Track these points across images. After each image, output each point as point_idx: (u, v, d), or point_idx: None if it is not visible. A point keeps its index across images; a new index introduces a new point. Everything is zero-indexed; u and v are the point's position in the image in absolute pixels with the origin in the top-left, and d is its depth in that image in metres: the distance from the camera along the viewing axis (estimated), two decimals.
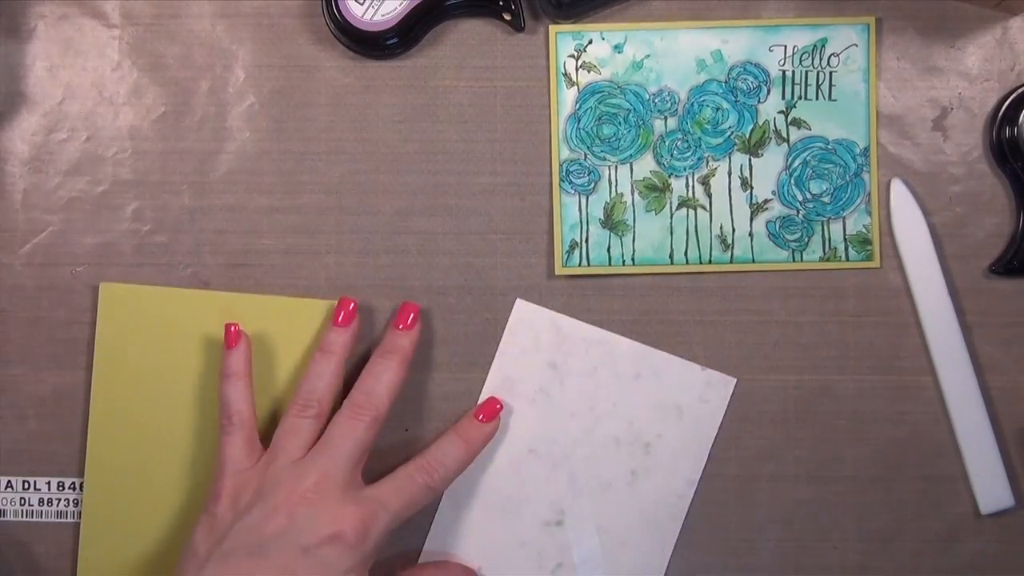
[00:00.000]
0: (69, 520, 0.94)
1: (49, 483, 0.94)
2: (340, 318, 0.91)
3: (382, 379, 0.89)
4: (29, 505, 0.94)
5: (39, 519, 0.94)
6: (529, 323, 0.93)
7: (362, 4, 0.91)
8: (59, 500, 0.94)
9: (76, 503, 0.94)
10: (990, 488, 0.92)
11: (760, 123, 0.93)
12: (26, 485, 0.94)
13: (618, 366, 0.93)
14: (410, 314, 0.91)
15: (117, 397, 0.92)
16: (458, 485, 0.92)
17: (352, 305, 0.91)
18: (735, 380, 0.92)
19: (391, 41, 0.92)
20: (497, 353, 0.93)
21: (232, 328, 0.91)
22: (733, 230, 0.93)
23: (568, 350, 0.93)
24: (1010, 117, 0.92)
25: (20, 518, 0.94)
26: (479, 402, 0.93)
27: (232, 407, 0.89)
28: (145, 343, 0.93)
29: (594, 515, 0.93)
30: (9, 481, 0.94)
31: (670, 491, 0.93)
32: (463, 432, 0.91)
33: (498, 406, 0.91)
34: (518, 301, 0.93)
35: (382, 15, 0.91)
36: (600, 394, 0.93)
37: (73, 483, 0.94)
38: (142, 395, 0.92)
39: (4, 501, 0.94)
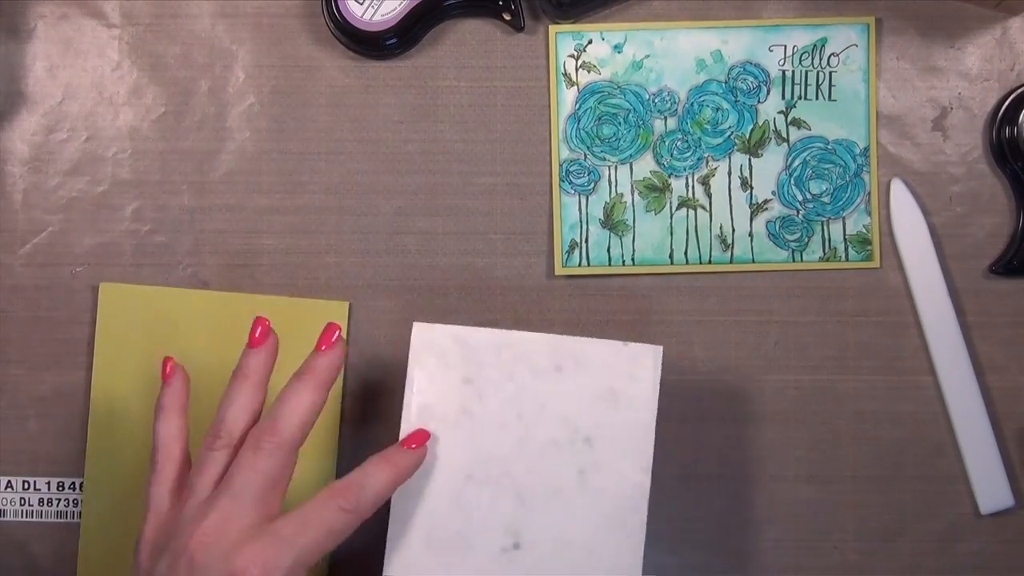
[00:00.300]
0: (69, 520, 0.94)
1: (49, 483, 0.94)
2: (255, 337, 0.83)
3: (291, 403, 0.80)
4: (29, 505, 0.94)
5: (39, 519, 0.94)
6: (431, 344, 0.85)
7: (362, 4, 0.91)
8: (59, 500, 0.94)
9: (76, 503, 0.94)
10: (990, 488, 0.92)
11: (760, 123, 0.93)
12: (26, 485, 0.94)
13: (535, 363, 0.85)
14: (333, 334, 0.83)
15: (117, 397, 0.92)
16: (401, 534, 0.84)
17: (266, 324, 0.83)
18: (660, 348, 0.85)
19: (391, 41, 0.92)
20: (406, 384, 0.84)
21: (168, 363, 0.85)
22: (733, 230, 0.93)
23: (479, 361, 0.85)
24: (1010, 117, 0.92)
25: (20, 518, 0.94)
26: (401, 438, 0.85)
27: (159, 444, 0.83)
28: (145, 343, 0.93)
29: (552, 526, 0.85)
30: (9, 481, 0.94)
31: (624, 481, 0.85)
32: (390, 456, 0.82)
33: (427, 435, 0.83)
34: (415, 325, 0.85)
35: (382, 15, 0.91)
36: (524, 397, 0.85)
37: (73, 483, 0.94)
38: (142, 395, 0.92)
39: (4, 501, 0.94)
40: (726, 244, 0.93)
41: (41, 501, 0.94)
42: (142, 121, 0.94)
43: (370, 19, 0.91)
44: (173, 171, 0.94)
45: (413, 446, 0.83)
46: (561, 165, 0.93)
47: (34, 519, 0.94)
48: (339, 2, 0.91)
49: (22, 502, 0.94)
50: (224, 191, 0.94)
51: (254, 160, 0.94)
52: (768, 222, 0.93)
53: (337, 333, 0.83)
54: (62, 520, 0.94)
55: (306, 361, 0.82)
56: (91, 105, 0.94)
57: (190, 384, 0.86)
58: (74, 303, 0.94)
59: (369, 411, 0.94)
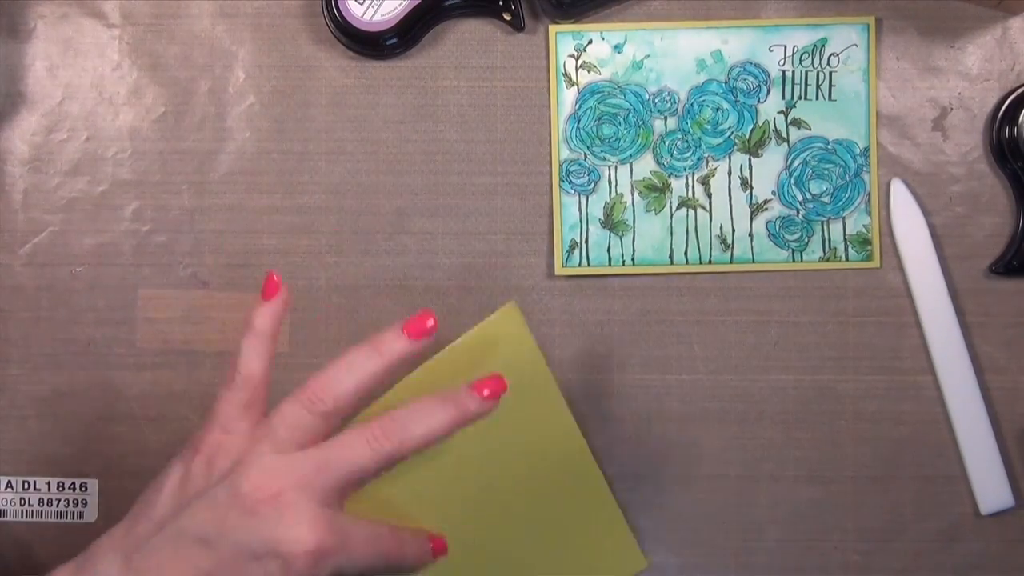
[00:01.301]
0: (69, 520, 0.94)
1: (49, 483, 0.94)
2: (419, 327, 0.81)
3: (424, 423, 0.78)
4: (29, 505, 0.94)
5: (39, 519, 0.94)
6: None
7: (362, 4, 0.91)
8: (59, 500, 0.94)
9: (76, 503, 0.94)
10: (990, 488, 0.92)
11: (760, 123, 0.93)
12: (26, 485, 0.94)
13: None
14: (497, 387, 0.80)
15: None
16: None
17: (435, 322, 0.81)
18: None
19: (391, 41, 0.92)
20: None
21: (274, 277, 0.82)
22: (733, 230, 0.93)
23: None
24: (1010, 117, 0.92)
25: (20, 518, 0.94)
26: None
27: (242, 363, 0.80)
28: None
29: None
30: (9, 481, 0.94)
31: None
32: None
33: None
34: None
35: (382, 15, 0.91)
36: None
37: (73, 483, 0.94)
38: None
39: (4, 501, 0.94)
40: (726, 244, 0.93)
41: (41, 501, 0.94)
42: (142, 121, 0.94)
43: (370, 19, 0.91)
44: (173, 171, 0.94)
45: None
46: (561, 165, 0.93)
47: (34, 519, 0.94)
48: (339, 2, 0.91)
49: (22, 502, 0.94)
50: (224, 191, 0.94)
51: (254, 160, 0.94)
52: (768, 222, 0.93)
53: (501, 388, 0.80)
54: (62, 520, 0.94)
55: (457, 391, 0.80)
56: (91, 105, 0.94)
57: (287, 308, 0.82)
58: (74, 303, 0.94)
59: None
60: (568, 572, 0.89)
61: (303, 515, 0.75)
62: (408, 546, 0.81)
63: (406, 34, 0.92)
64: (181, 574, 0.75)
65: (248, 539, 0.75)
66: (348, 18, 0.91)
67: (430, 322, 0.81)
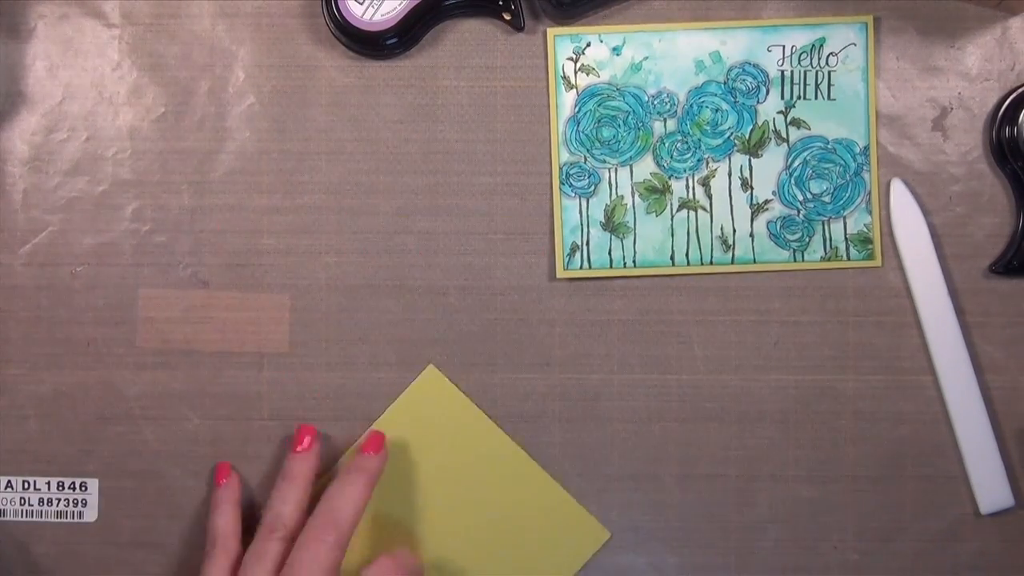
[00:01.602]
0: (69, 520, 0.94)
1: (49, 483, 0.94)
2: (300, 445, 0.92)
3: (347, 497, 0.89)
4: (29, 505, 0.94)
5: (39, 519, 0.94)
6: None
7: (362, 4, 0.91)
8: (59, 500, 0.94)
9: (76, 503, 0.94)
10: (990, 488, 0.92)
11: (759, 123, 0.93)
12: (26, 485, 0.94)
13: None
14: (379, 441, 0.92)
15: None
16: None
17: (313, 433, 0.92)
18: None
19: (391, 41, 0.92)
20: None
21: (222, 468, 0.93)
22: (734, 231, 0.93)
23: None
24: (1010, 117, 0.92)
25: (20, 518, 0.94)
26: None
27: (216, 535, 0.90)
28: (424, 440, 0.95)
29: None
30: (9, 481, 0.94)
31: None
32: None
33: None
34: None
35: (382, 15, 0.91)
36: None
37: (73, 483, 0.94)
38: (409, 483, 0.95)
39: (4, 501, 0.94)
40: (727, 245, 0.93)
41: (41, 501, 0.94)
42: (142, 121, 0.94)
43: (370, 19, 0.91)
44: (173, 171, 0.94)
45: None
46: (561, 168, 0.93)
47: (34, 519, 0.94)
48: (339, 2, 0.91)
49: (22, 502, 0.94)
50: (224, 191, 0.94)
51: (254, 160, 0.94)
52: (769, 222, 0.93)
53: (383, 440, 0.92)
54: (62, 520, 0.94)
55: (356, 460, 0.91)
56: (91, 105, 0.94)
57: (242, 489, 0.94)
58: (74, 303, 0.94)
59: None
60: (543, 558, 0.94)
61: None
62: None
63: (406, 34, 0.92)
64: None
65: None
66: (348, 18, 0.91)
67: (312, 434, 0.93)
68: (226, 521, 0.91)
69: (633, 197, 0.93)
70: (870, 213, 0.93)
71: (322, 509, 0.88)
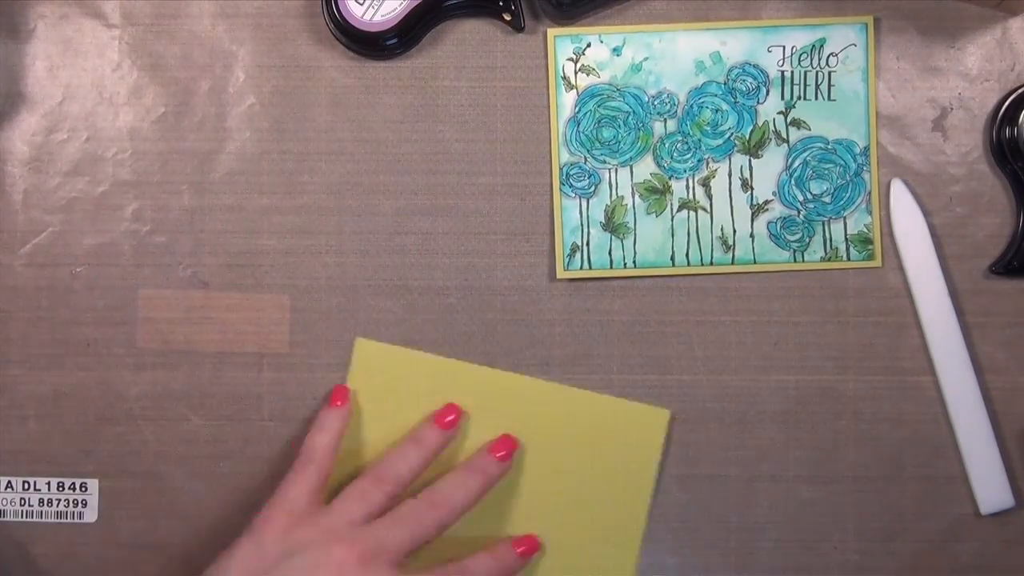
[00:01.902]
0: (69, 520, 0.94)
1: (49, 483, 0.94)
2: (445, 421, 0.92)
3: (462, 491, 0.90)
4: (29, 505, 0.94)
5: (39, 519, 0.94)
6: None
7: (362, 4, 0.91)
8: (59, 500, 0.94)
9: (76, 503, 0.94)
10: (990, 488, 0.92)
11: (760, 124, 0.93)
12: (26, 485, 0.94)
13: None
14: (509, 447, 0.92)
15: (355, 457, 0.94)
16: None
17: (458, 413, 0.93)
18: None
19: (391, 41, 0.92)
20: None
21: (340, 391, 0.93)
22: (734, 231, 0.93)
23: None
24: (1010, 117, 0.92)
25: (20, 518, 0.94)
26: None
27: (314, 452, 0.90)
28: (390, 405, 0.94)
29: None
30: (9, 481, 0.94)
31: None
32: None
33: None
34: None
35: (382, 15, 0.91)
36: None
37: (73, 483, 0.94)
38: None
39: (4, 501, 0.94)
40: (727, 245, 0.93)
41: (41, 501, 0.94)
42: (142, 121, 0.94)
43: (370, 19, 0.91)
44: (173, 171, 0.94)
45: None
46: (561, 168, 0.93)
47: (34, 519, 0.94)
48: (339, 2, 0.91)
49: (22, 502, 0.94)
50: (224, 191, 0.94)
51: (254, 160, 0.94)
52: (769, 223, 0.93)
53: (514, 448, 0.93)
54: (62, 520, 0.94)
55: (479, 458, 0.92)
56: (91, 105, 0.94)
57: (351, 416, 0.93)
58: (74, 303, 0.94)
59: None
60: (617, 469, 0.94)
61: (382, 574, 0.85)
62: (484, 564, 0.90)
63: (406, 34, 0.92)
64: None
65: None
66: (348, 18, 0.91)
67: (457, 414, 0.93)
68: (327, 442, 0.91)
69: (633, 197, 0.93)
70: (870, 213, 0.93)
71: (439, 490, 0.90)
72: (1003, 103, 0.93)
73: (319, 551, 0.85)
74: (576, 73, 0.93)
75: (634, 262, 0.93)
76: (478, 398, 0.94)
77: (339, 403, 0.92)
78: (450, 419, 0.92)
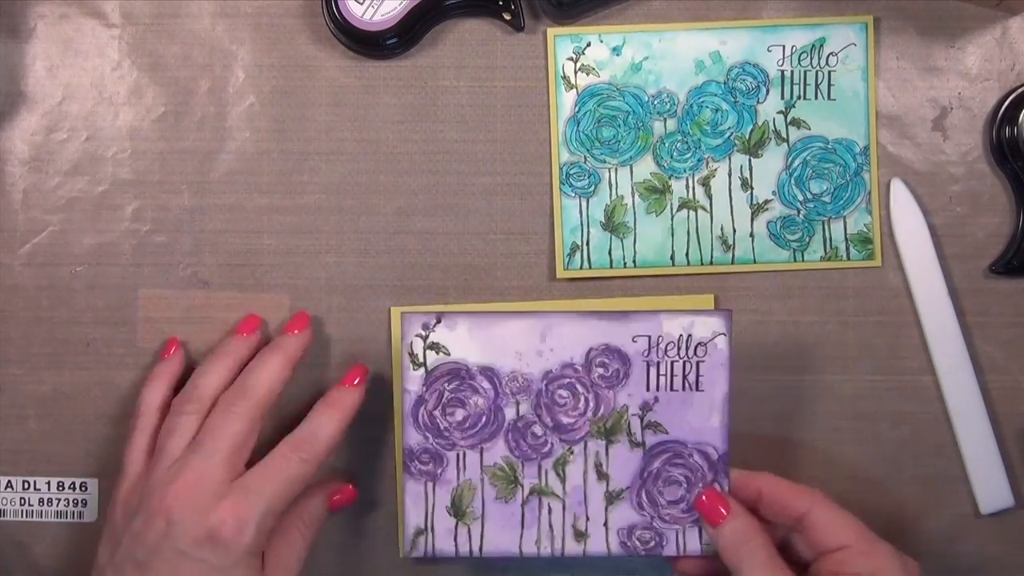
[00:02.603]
0: (69, 520, 0.94)
1: (49, 483, 0.94)
2: (245, 329, 0.92)
3: (259, 371, 0.88)
4: (29, 505, 0.94)
5: (39, 519, 0.94)
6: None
7: (362, 4, 0.91)
8: (59, 500, 0.94)
9: (76, 503, 0.94)
10: (990, 488, 0.93)
11: (759, 123, 0.93)
12: (26, 485, 0.94)
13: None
14: (304, 321, 0.92)
15: None
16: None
17: (257, 321, 0.92)
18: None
19: (391, 41, 0.92)
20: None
21: (172, 342, 0.93)
22: (734, 231, 0.93)
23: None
24: (1010, 117, 0.92)
25: (20, 518, 0.94)
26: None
27: (142, 410, 0.90)
28: None
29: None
30: (9, 481, 0.94)
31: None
32: (333, 401, 0.89)
33: (366, 369, 0.91)
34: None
35: (382, 15, 0.91)
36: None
37: (73, 483, 0.94)
38: None
39: (4, 501, 0.94)
40: (727, 245, 0.93)
41: (41, 501, 0.94)
42: (142, 121, 0.94)
43: (370, 19, 0.91)
44: (173, 171, 0.94)
45: (355, 382, 0.90)
46: (561, 168, 0.93)
47: (34, 519, 0.94)
48: (339, 2, 0.91)
49: (22, 502, 0.94)
50: (224, 191, 0.94)
51: (254, 160, 0.94)
52: (769, 222, 0.93)
53: (308, 319, 0.92)
54: (62, 520, 0.94)
55: (277, 339, 0.91)
56: (91, 105, 0.94)
57: (183, 366, 0.92)
58: (74, 303, 0.94)
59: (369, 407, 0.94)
60: None
61: (206, 497, 0.83)
62: (321, 422, 0.88)
63: (406, 34, 0.92)
64: None
65: (172, 542, 0.82)
66: (348, 18, 0.91)
67: (256, 322, 0.93)
68: (154, 396, 0.90)
69: (633, 197, 0.93)
70: (870, 213, 0.93)
71: (236, 383, 0.88)
72: (1003, 103, 0.93)
73: (144, 510, 0.83)
74: (576, 73, 0.93)
75: (634, 262, 0.93)
76: None
77: (167, 354, 0.92)
78: (248, 326, 0.92)
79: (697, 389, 0.88)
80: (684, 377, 0.88)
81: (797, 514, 0.84)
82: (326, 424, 0.87)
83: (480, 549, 0.89)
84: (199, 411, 0.87)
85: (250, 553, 0.82)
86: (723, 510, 0.85)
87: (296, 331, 0.91)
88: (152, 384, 0.91)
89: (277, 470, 0.84)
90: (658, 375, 0.88)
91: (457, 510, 0.88)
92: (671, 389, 0.88)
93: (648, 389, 0.88)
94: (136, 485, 0.87)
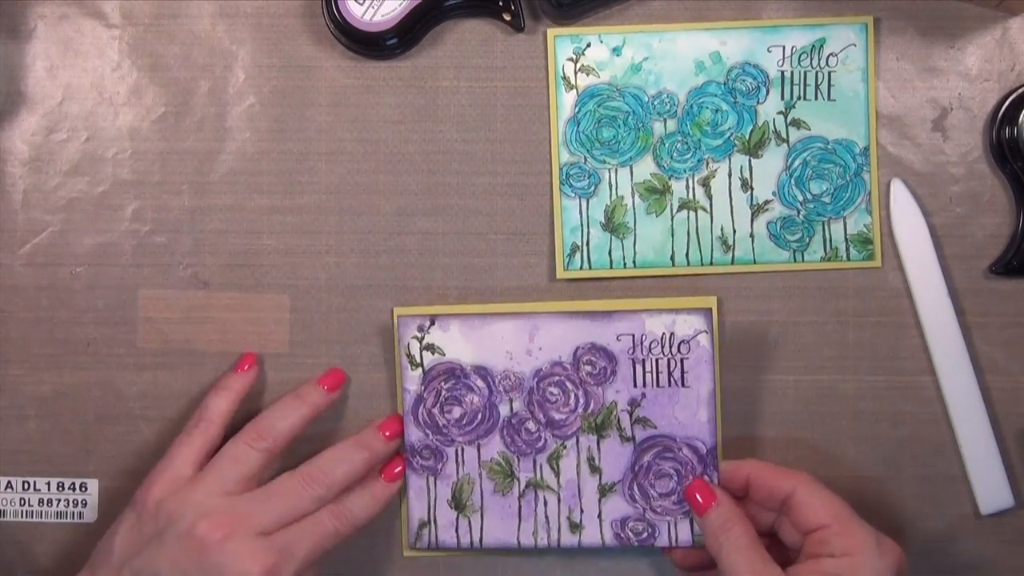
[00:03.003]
0: (69, 520, 0.94)
1: (49, 483, 0.94)
2: (327, 382, 0.93)
3: (344, 467, 0.89)
4: (29, 505, 0.94)
5: (39, 519, 0.94)
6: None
7: (362, 4, 0.91)
8: (59, 500, 0.94)
9: (76, 503, 0.94)
10: (990, 488, 0.92)
11: (759, 124, 0.93)
12: (26, 485, 0.94)
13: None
14: (393, 427, 0.92)
15: None
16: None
17: (342, 379, 0.93)
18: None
19: (391, 41, 0.92)
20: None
21: (249, 357, 0.93)
22: (734, 231, 0.93)
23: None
24: (1010, 117, 0.92)
25: (20, 518, 0.94)
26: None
27: (206, 414, 0.90)
28: None
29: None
30: (9, 481, 0.94)
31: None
32: (376, 490, 0.91)
33: (400, 468, 0.92)
34: None
35: (382, 15, 0.91)
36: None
37: (73, 483, 0.94)
38: None
39: (4, 501, 0.94)
40: (727, 245, 0.93)
41: (41, 501, 0.94)
42: (142, 121, 0.94)
43: (370, 19, 0.91)
44: (173, 171, 0.94)
45: (396, 471, 0.92)
46: (561, 168, 0.93)
47: (34, 519, 0.94)
48: (339, 2, 0.91)
49: (22, 502, 0.94)
50: (224, 191, 0.94)
51: (254, 160, 0.94)
52: (769, 223, 0.93)
53: (396, 428, 0.92)
54: (62, 520, 0.94)
55: (366, 435, 0.92)
56: (91, 105, 0.94)
57: (255, 383, 0.94)
58: (74, 303, 0.94)
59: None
60: None
61: (247, 545, 0.84)
62: (359, 501, 0.90)
63: (406, 34, 0.92)
64: None
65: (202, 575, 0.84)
66: (348, 18, 0.91)
67: (341, 377, 0.93)
68: (221, 408, 0.91)
69: (633, 197, 0.93)
70: (870, 213, 0.93)
71: (320, 464, 0.89)
72: (1003, 103, 0.93)
73: (184, 525, 0.84)
74: (576, 73, 0.93)
75: (634, 262, 0.93)
76: None
77: (245, 367, 0.93)
78: (333, 383, 0.93)
79: (683, 385, 0.90)
80: (669, 374, 0.90)
81: (783, 495, 0.86)
82: (366, 506, 0.90)
83: (480, 541, 0.92)
84: (268, 451, 0.89)
85: None
86: (708, 499, 0.87)
87: (387, 434, 0.92)
88: (222, 394, 0.91)
89: (316, 535, 0.87)
90: (644, 372, 0.91)
91: (458, 503, 0.92)
92: (657, 385, 0.91)
93: (635, 386, 0.91)
94: (179, 488, 0.87)
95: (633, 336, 0.91)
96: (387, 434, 0.91)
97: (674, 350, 0.91)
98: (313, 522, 0.87)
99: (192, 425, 0.90)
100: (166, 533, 0.84)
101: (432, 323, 0.92)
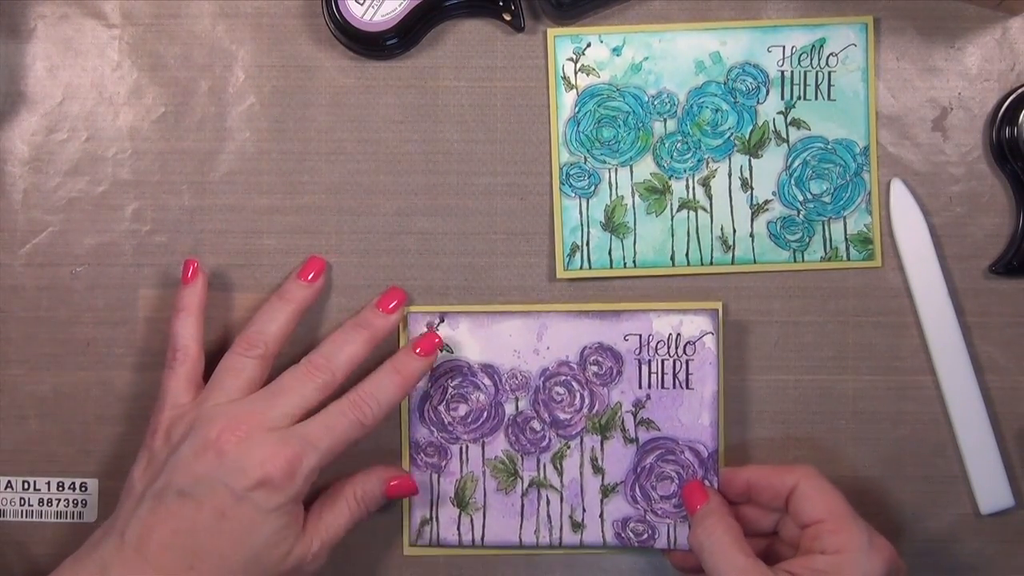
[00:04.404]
0: (69, 520, 0.94)
1: (49, 483, 0.94)
2: (306, 274, 0.92)
3: (345, 349, 0.89)
4: (29, 505, 0.94)
5: (39, 519, 0.94)
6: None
7: (362, 4, 0.91)
8: (59, 500, 0.94)
9: (76, 503, 0.94)
10: (990, 488, 0.92)
11: (759, 124, 0.93)
12: (26, 485, 0.94)
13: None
14: (393, 300, 0.92)
15: None
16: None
17: (321, 265, 0.92)
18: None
19: (391, 41, 0.92)
20: None
21: (191, 265, 0.91)
22: (734, 231, 0.93)
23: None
24: (1010, 117, 0.92)
25: (20, 518, 0.94)
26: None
27: (179, 342, 0.90)
28: None
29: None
30: (9, 481, 0.94)
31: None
32: (399, 365, 0.89)
33: (436, 340, 0.90)
34: None
35: (382, 15, 0.91)
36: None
37: (73, 483, 0.94)
38: None
39: (4, 501, 0.94)
40: (727, 245, 0.93)
41: (41, 501, 0.94)
42: (142, 121, 0.94)
43: (370, 19, 0.91)
44: (173, 171, 0.94)
45: (419, 351, 0.90)
46: (561, 168, 0.93)
47: (34, 519, 0.94)
48: (339, 2, 0.91)
49: (22, 502, 0.94)
50: (224, 191, 0.94)
51: (254, 160, 0.94)
52: (769, 222, 0.93)
53: (396, 300, 0.92)
54: (62, 520, 0.94)
55: (364, 314, 0.91)
56: (91, 105, 0.94)
57: (208, 287, 0.92)
58: (74, 303, 0.94)
59: None
60: None
61: (263, 441, 0.83)
62: (383, 384, 0.88)
63: (406, 34, 0.92)
64: (171, 531, 0.82)
65: (224, 479, 0.83)
66: (348, 18, 0.91)
67: (320, 265, 0.93)
68: (188, 330, 0.90)
69: (633, 197, 0.93)
70: (870, 213, 0.93)
71: (319, 352, 0.89)
72: (1003, 103, 0.93)
73: (198, 438, 0.84)
74: (576, 73, 0.93)
75: (634, 262, 0.93)
76: None
77: (190, 276, 0.92)
78: (313, 272, 0.92)
79: (687, 387, 0.91)
80: (674, 375, 0.91)
81: (787, 490, 0.86)
82: (388, 388, 0.88)
83: (482, 538, 0.92)
84: (262, 356, 0.88)
85: (296, 496, 0.84)
86: (699, 499, 0.88)
87: (383, 310, 0.91)
88: (184, 317, 0.90)
89: (335, 426, 0.86)
90: (649, 373, 0.91)
91: (460, 501, 0.92)
92: (662, 387, 0.91)
93: (640, 387, 0.91)
94: (181, 414, 0.87)
95: (640, 336, 0.91)
96: (391, 306, 0.91)
97: (680, 351, 0.91)
98: (333, 412, 0.86)
99: (170, 358, 0.89)
100: (182, 449, 0.84)
101: (442, 320, 0.92)
